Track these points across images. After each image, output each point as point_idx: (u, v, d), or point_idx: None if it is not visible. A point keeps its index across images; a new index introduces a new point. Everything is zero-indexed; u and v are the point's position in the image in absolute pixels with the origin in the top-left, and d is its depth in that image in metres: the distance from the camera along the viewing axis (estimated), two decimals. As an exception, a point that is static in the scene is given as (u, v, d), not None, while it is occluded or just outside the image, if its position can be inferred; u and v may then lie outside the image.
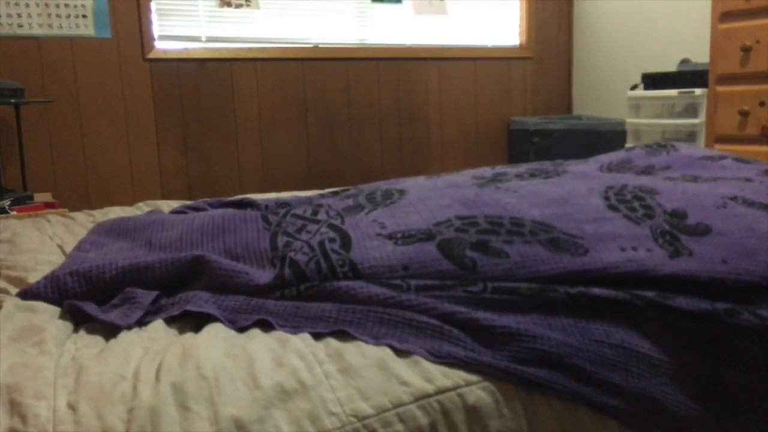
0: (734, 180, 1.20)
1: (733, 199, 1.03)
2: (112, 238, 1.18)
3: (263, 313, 0.85)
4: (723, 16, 2.73)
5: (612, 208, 0.99)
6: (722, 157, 1.48)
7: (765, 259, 0.86)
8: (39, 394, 0.66)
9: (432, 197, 1.05)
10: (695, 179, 1.23)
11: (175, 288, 0.98)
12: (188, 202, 1.52)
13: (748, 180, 1.22)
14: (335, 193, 1.60)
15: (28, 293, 0.96)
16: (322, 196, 1.58)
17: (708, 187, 1.12)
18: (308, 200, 1.57)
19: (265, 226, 1.00)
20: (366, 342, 0.77)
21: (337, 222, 0.99)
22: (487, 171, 1.23)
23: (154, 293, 0.93)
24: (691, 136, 3.04)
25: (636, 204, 1.00)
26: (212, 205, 1.49)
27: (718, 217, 0.96)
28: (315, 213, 1.05)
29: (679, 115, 3.10)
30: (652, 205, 0.98)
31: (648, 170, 1.45)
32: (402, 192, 1.11)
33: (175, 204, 1.85)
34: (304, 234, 0.97)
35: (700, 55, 3.16)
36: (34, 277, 1.08)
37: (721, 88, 2.77)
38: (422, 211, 0.97)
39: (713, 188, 1.10)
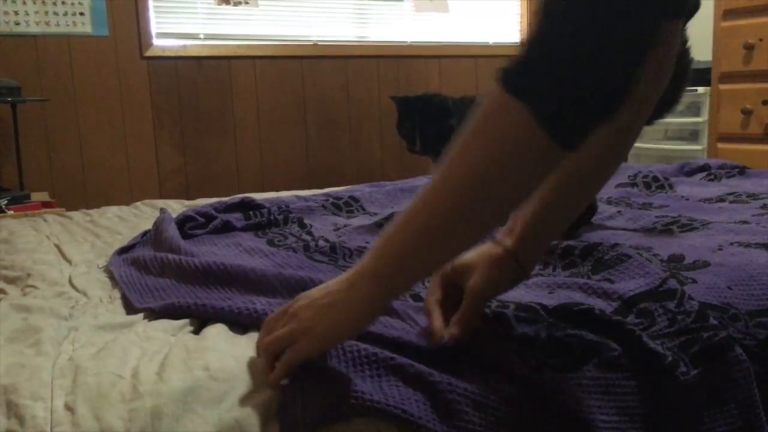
0: (730, 224, 1.24)
1: (730, 245, 1.06)
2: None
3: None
4: (726, 13, 2.72)
5: None
6: (720, 200, 1.52)
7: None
8: (36, 395, 0.65)
9: None
10: (691, 222, 1.28)
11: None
12: (198, 207, 1.46)
13: (744, 222, 1.26)
14: (337, 206, 1.58)
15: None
16: (325, 205, 1.56)
17: (702, 236, 1.16)
18: (307, 204, 1.56)
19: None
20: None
21: None
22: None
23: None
24: (693, 135, 3.03)
25: None
26: (217, 209, 1.46)
27: (715, 256, 0.99)
28: (333, 250, 1.12)
29: (681, 114, 3.09)
30: (648, 257, 1.01)
31: (646, 207, 1.52)
32: None
33: (174, 204, 1.84)
34: None
35: (703, 53, 3.15)
36: (32, 278, 1.07)
37: (723, 87, 2.76)
38: None
39: (708, 237, 1.13)
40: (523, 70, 0.61)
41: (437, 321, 0.75)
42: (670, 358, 0.72)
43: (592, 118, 0.60)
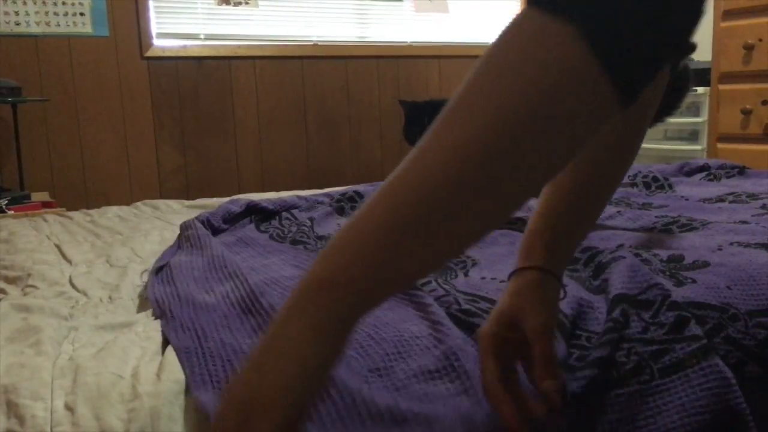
0: (730, 224, 1.24)
1: (730, 245, 1.06)
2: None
3: None
4: (725, 14, 2.72)
5: None
6: (720, 200, 1.52)
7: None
8: (36, 395, 0.64)
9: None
10: (691, 222, 1.28)
11: None
12: (205, 215, 1.43)
13: (744, 222, 1.26)
14: (339, 202, 1.58)
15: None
16: (332, 205, 1.55)
17: (702, 236, 1.16)
18: (310, 204, 1.55)
19: None
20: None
21: None
22: None
23: None
24: (693, 135, 3.03)
25: None
26: (225, 219, 1.43)
27: (714, 256, 0.99)
28: None
29: (681, 114, 3.08)
30: (648, 257, 1.01)
31: (645, 207, 1.52)
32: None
33: (174, 204, 1.84)
34: None
35: (702, 53, 3.15)
36: (32, 278, 1.07)
37: (723, 87, 2.76)
38: None
39: (707, 237, 1.13)
40: None
41: (533, 405, 0.60)
42: (630, 365, 0.71)
43: (659, 54, 0.45)
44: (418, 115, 1.29)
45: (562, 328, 0.74)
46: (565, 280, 0.88)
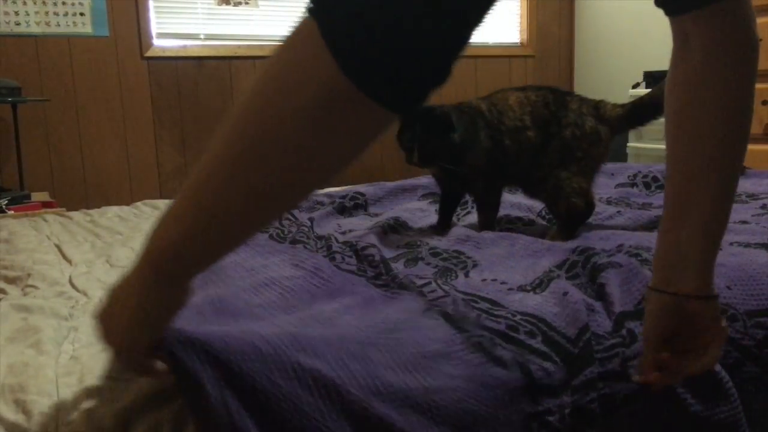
0: (730, 224, 1.23)
1: (730, 245, 1.05)
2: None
3: None
4: (725, 13, 2.71)
5: None
6: None
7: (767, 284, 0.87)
8: (42, 391, 0.65)
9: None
10: None
11: None
12: None
13: (744, 222, 1.26)
14: (340, 202, 1.57)
15: None
16: (332, 205, 1.55)
17: None
18: (310, 204, 1.55)
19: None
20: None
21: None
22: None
23: None
24: (692, 135, 3.02)
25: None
26: None
27: None
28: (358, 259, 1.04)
29: (680, 114, 3.08)
30: (647, 258, 1.01)
31: (645, 207, 1.52)
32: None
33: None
34: None
35: (702, 53, 3.15)
36: (32, 278, 1.07)
37: (723, 87, 2.75)
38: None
39: None
40: None
41: None
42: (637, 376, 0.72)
43: (406, 64, 0.45)
44: (410, 121, 1.25)
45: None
46: (566, 284, 0.88)
